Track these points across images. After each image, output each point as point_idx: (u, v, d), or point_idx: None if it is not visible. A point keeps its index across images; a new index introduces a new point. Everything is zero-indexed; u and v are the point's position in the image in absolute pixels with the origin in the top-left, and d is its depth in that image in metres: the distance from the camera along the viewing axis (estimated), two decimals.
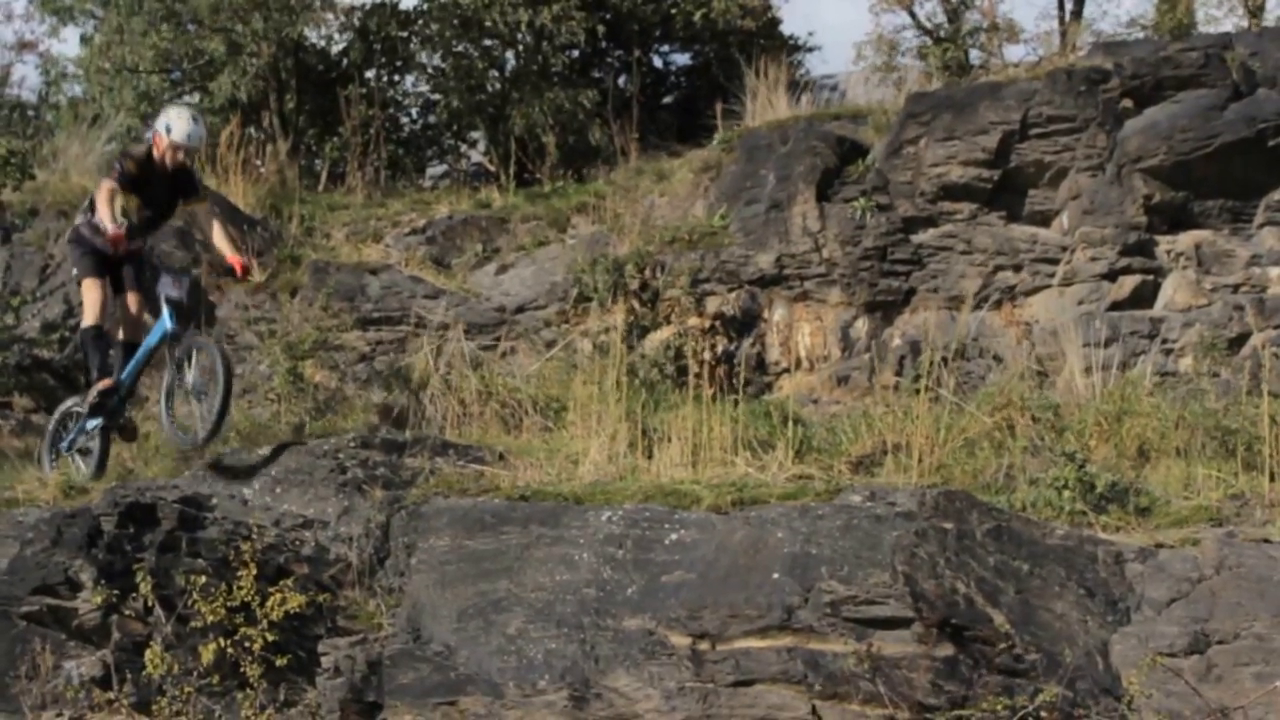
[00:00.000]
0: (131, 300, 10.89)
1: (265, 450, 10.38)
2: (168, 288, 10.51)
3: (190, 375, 10.37)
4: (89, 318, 10.63)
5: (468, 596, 8.84)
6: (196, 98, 18.77)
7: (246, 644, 8.69)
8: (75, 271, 10.94)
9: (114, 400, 10.62)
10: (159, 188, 10.75)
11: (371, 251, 14.70)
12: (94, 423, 10.69)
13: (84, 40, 21.32)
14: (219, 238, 10.96)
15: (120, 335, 10.86)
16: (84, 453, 10.87)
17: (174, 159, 10.63)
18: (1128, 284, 12.24)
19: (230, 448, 10.71)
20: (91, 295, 10.65)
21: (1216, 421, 10.11)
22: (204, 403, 10.24)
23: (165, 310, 10.46)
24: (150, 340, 10.65)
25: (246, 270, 11.13)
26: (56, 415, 11.23)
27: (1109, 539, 8.61)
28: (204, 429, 10.22)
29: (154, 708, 8.67)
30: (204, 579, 8.87)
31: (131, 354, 10.71)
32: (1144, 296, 12.26)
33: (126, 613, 8.98)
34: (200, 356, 10.39)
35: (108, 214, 10.26)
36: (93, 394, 10.53)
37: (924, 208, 12.88)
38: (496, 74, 18.70)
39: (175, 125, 10.62)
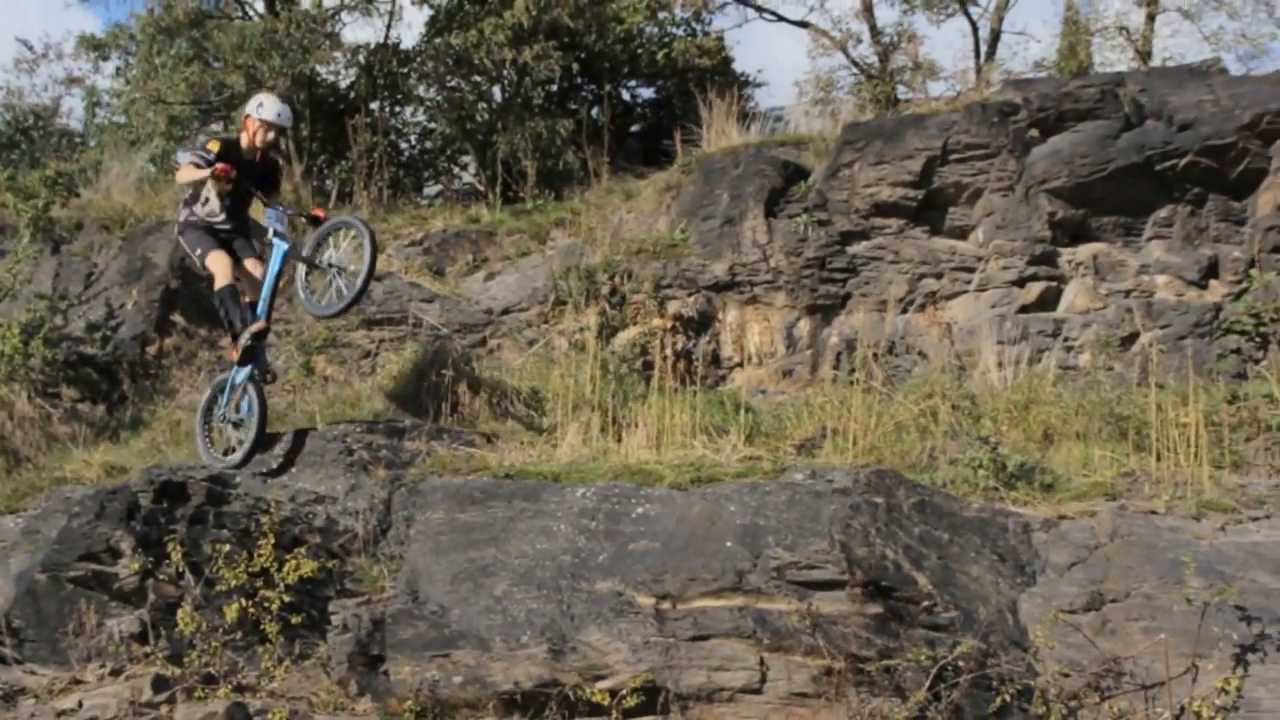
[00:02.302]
0: (251, 266, 10.49)
1: (282, 434, 10.33)
2: (273, 221, 10.25)
3: (329, 253, 10.16)
4: (221, 279, 10.22)
5: (459, 563, 8.83)
6: (221, 126, 18.69)
7: (266, 604, 8.71)
8: (198, 252, 10.40)
9: (261, 344, 10.24)
10: (248, 172, 10.36)
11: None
12: (242, 374, 10.25)
13: (120, 73, 21.22)
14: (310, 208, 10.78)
15: (247, 298, 10.37)
16: (236, 424, 10.27)
17: (264, 138, 10.38)
18: (1034, 290, 12.27)
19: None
20: (218, 263, 10.24)
21: (1111, 409, 10.15)
22: (344, 276, 10.00)
23: (276, 239, 10.21)
24: (274, 267, 10.27)
25: (326, 216, 10.66)
26: (205, 396, 10.67)
27: (1018, 511, 8.64)
28: (342, 299, 10.00)
29: (185, 660, 8.67)
30: (228, 547, 8.89)
31: (255, 310, 10.31)
32: (1048, 301, 12.29)
33: (161, 577, 8.96)
34: (345, 233, 10.16)
35: (199, 173, 10.07)
36: (245, 338, 10.11)
37: (858, 223, 12.89)
38: (484, 106, 18.65)
39: (266, 104, 10.39)
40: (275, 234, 10.23)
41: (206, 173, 10.06)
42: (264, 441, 10.01)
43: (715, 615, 7.90)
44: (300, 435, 10.25)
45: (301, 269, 10.31)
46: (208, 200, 10.34)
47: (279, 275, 10.31)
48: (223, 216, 10.40)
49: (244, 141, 10.43)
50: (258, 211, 10.61)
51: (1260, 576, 7.62)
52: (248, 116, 10.44)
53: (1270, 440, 9.47)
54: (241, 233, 10.61)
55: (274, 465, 10.01)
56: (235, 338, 10.29)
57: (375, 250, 9.87)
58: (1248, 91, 11.97)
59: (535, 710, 8.14)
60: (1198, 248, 11.93)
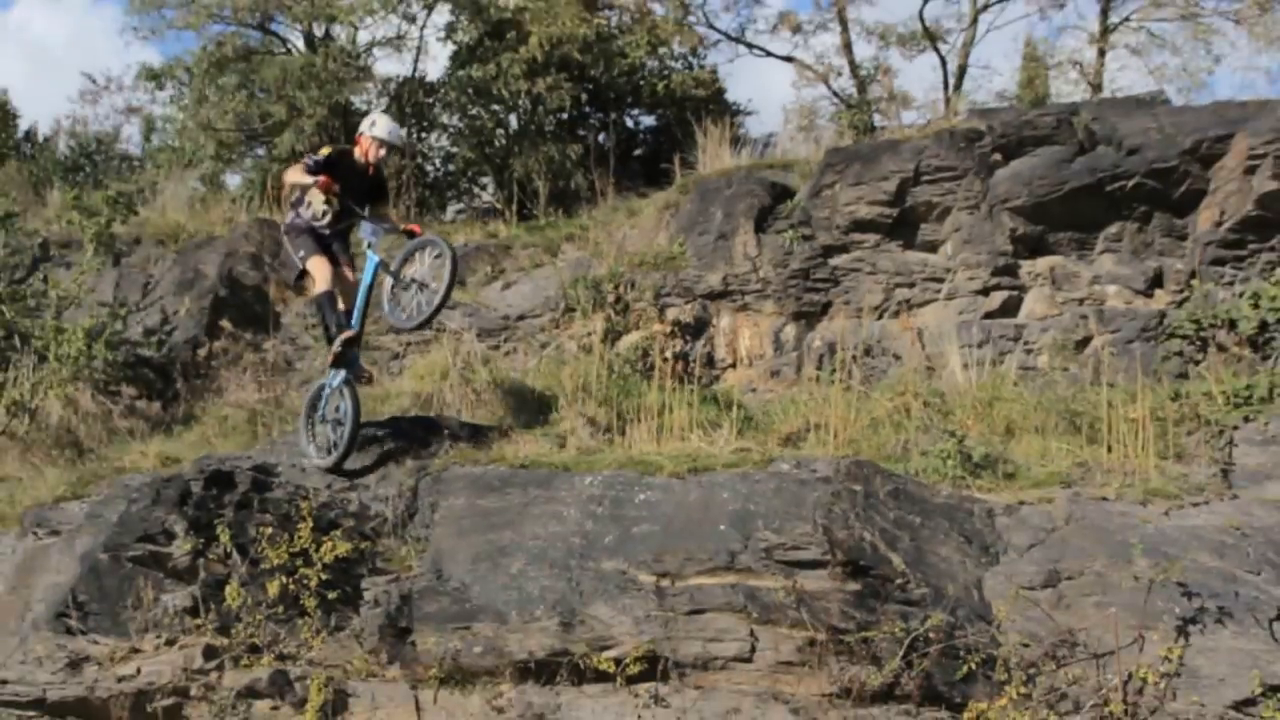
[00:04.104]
0: (346, 272, 10.19)
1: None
2: (368, 234, 10.04)
3: (414, 269, 9.79)
4: (321, 284, 9.91)
5: (479, 544, 8.83)
6: (264, 150, 18.72)
7: (305, 581, 8.71)
8: (300, 254, 10.07)
9: (354, 350, 9.95)
10: (355, 183, 10.01)
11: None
12: (338, 378, 9.94)
13: (174, 102, 21.26)
14: (400, 223, 10.39)
15: (342, 305, 10.04)
16: (336, 423, 9.90)
17: (376, 154, 10.06)
18: (997, 298, 12.26)
19: (293, 427, 10.67)
20: (319, 269, 9.93)
21: (1066, 406, 10.15)
22: (425, 291, 9.67)
23: (370, 252, 9.96)
24: (366, 279, 9.98)
25: (421, 232, 10.17)
26: (307, 398, 10.28)
27: (983, 498, 8.64)
28: (421, 314, 9.66)
29: (232, 631, 8.67)
30: (271, 530, 8.89)
31: (349, 317, 9.98)
32: (1010, 308, 12.28)
33: (210, 557, 8.96)
34: (430, 249, 9.77)
35: (306, 177, 9.73)
36: (336, 345, 9.80)
37: (839, 238, 12.88)
38: (502, 132, 18.65)
39: (379, 122, 10.13)
40: (368, 246, 10.02)
41: (310, 180, 9.75)
42: (356, 443, 9.75)
43: (710, 591, 7.91)
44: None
45: (389, 281, 9.98)
46: (310, 204, 10.07)
47: (371, 286, 10.03)
48: (325, 221, 10.10)
49: (357, 154, 10.10)
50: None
51: (1200, 556, 7.62)
52: (360, 134, 10.14)
53: (1209, 434, 9.47)
54: (342, 238, 10.35)
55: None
56: (330, 342, 10.01)
57: (455, 269, 9.56)
58: (1188, 120, 11.97)
59: (547, 677, 8.14)
60: (1144, 260, 11.92)
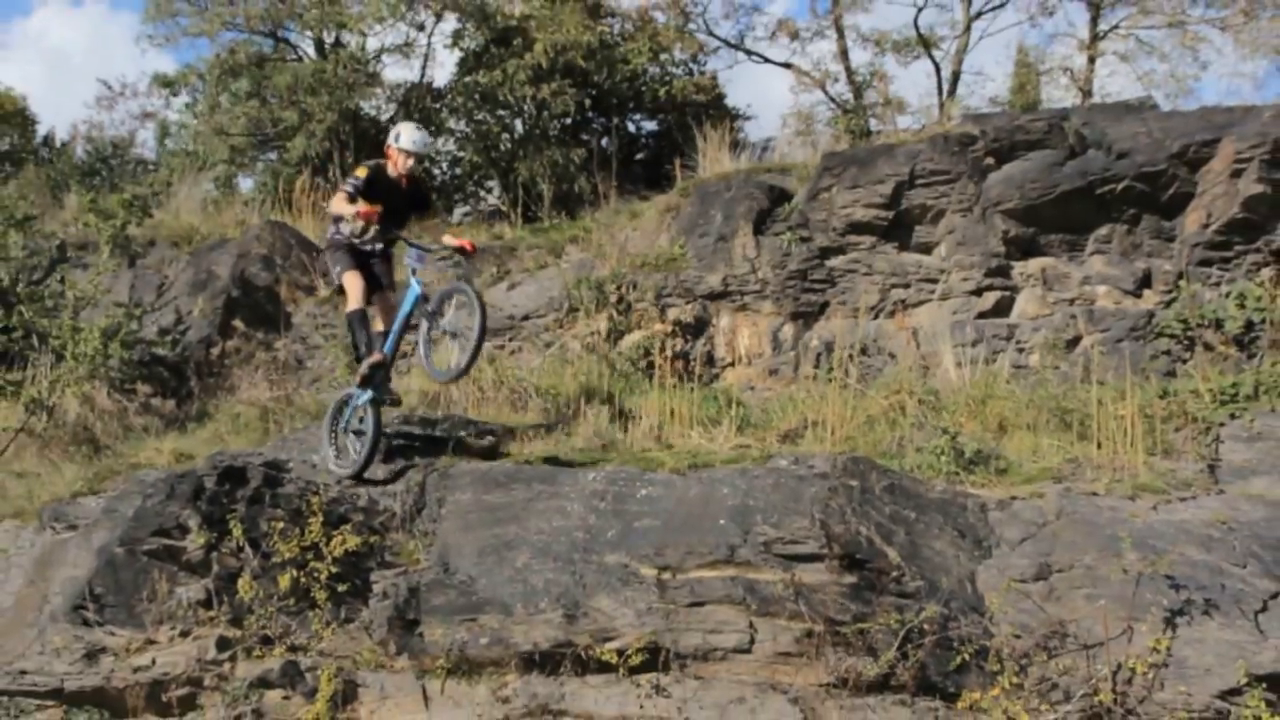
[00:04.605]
0: (389, 294, 9.91)
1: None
2: (413, 260, 9.66)
3: (447, 318, 9.47)
4: (353, 302, 9.60)
5: (485, 538, 8.83)
6: (276, 155, 18.74)
7: (315, 574, 8.72)
8: (337, 269, 9.73)
9: (381, 373, 9.59)
10: (395, 197, 9.70)
11: None
12: (364, 397, 9.67)
13: (188, 108, 21.28)
14: (447, 236, 10.08)
15: (379, 325, 9.85)
16: (358, 433, 9.74)
17: (405, 165, 9.74)
18: (990, 298, 12.25)
19: (304, 424, 10.67)
20: (353, 285, 9.60)
21: (1057, 403, 10.14)
22: (459, 340, 9.35)
23: (412, 280, 9.63)
24: (404, 308, 9.68)
25: (474, 248, 9.94)
26: (333, 405, 10.02)
27: (976, 493, 8.65)
28: (460, 363, 9.30)
29: (244, 623, 8.69)
30: (282, 524, 8.90)
31: (382, 340, 9.75)
32: (1003, 308, 12.26)
33: (223, 550, 8.97)
34: (458, 299, 9.45)
35: (349, 208, 9.38)
36: (364, 368, 9.53)
37: (835, 240, 12.87)
38: (507, 136, 18.69)
39: (404, 133, 9.77)
40: (412, 272, 9.68)
41: (352, 210, 9.41)
42: (375, 458, 9.60)
43: (710, 584, 7.91)
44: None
45: (425, 323, 9.66)
46: (349, 220, 9.72)
47: (409, 315, 9.76)
48: (366, 237, 9.83)
49: (389, 169, 9.80)
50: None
51: (1188, 550, 7.62)
52: (389, 147, 9.85)
53: (1196, 430, 9.46)
54: (384, 256, 10.02)
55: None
56: (358, 360, 9.76)
57: (485, 323, 9.18)
58: (1176, 125, 11.95)
59: (552, 668, 8.15)
60: (1133, 261, 11.91)
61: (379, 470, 9.66)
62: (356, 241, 9.85)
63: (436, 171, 19.07)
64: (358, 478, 9.57)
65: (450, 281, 9.80)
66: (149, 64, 50.47)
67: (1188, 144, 11.60)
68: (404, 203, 9.88)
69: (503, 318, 13.67)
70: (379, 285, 9.89)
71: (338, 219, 9.86)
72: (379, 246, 9.94)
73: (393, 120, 18.08)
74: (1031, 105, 18.31)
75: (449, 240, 10.02)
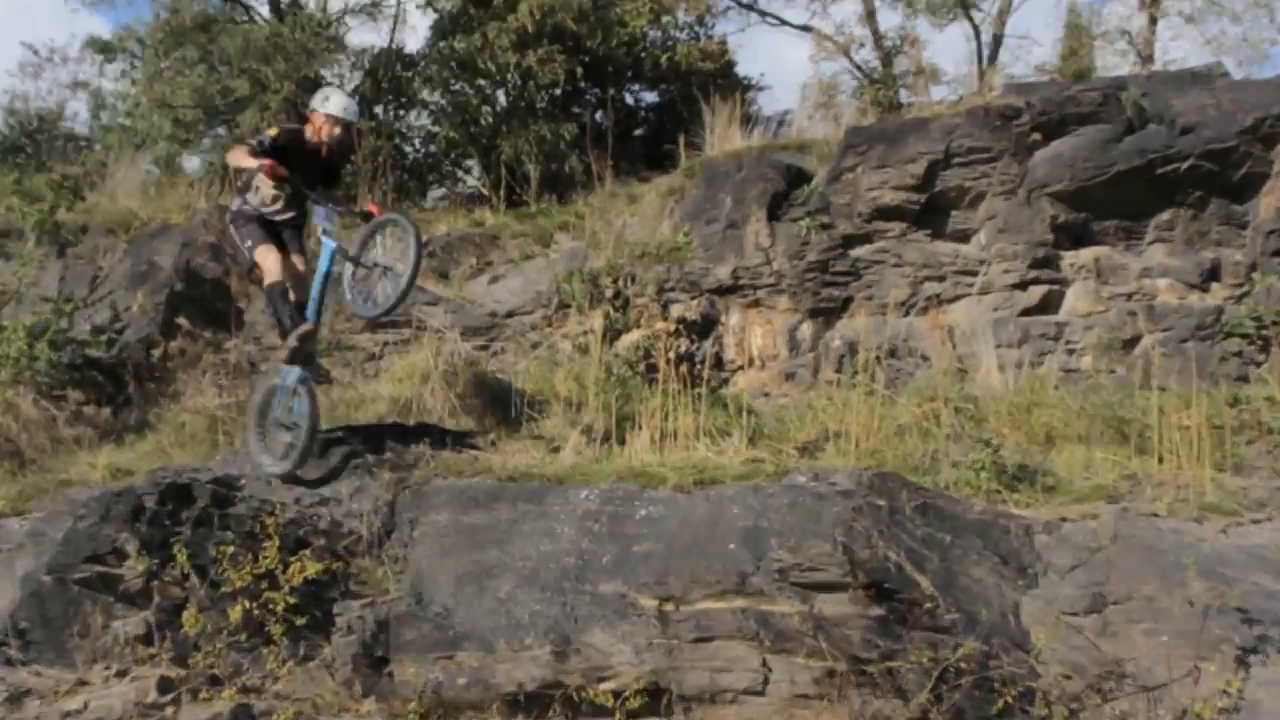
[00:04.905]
0: (298, 261, 10.10)
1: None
2: (322, 219, 9.86)
3: (374, 252, 9.73)
4: (270, 277, 9.83)
5: (464, 564, 8.83)
6: (225, 130, 18.75)
7: (270, 606, 8.71)
8: (248, 244, 9.95)
9: (311, 345, 9.84)
10: (310, 165, 9.94)
11: None
12: (293, 376, 9.84)
13: (125, 76, 21.30)
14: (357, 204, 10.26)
15: (293, 297, 9.98)
16: (290, 426, 9.84)
17: (330, 133, 9.97)
18: (1036, 293, 12.28)
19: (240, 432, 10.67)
20: (267, 259, 9.82)
21: (1113, 412, 10.15)
22: (389, 273, 9.58)
23: (323, 238, 9.83)
24: (322, 266, 9.86)
25: (381, 210, 10.17)
26: (258, 397, 10.19)
27: (1020, 514, 8.64)
28: (387, 299, 9.54)
29: (190, 661, 8.69)
30: (233, 549, 8.90)
31: (304, 310, 9.91)
32: (1050, 304, 12.30)
33: (166, 579, 8.97)
34: (390, 231, 9.71)
35: (251, 161, 9.56)
36: (292, 339, 9.68)
37: (860, 226, 12.90)
38: (488, 110, 18.71)
39: (332, 98, 10.02)
40: (323, 232, 9.91)
41: (254, 164, 9.62)
42: (314, 447, 9.72)
43: (718, 617, 7.91)
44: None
45: (349, 268, 9.94)
46: (259, 189, 9.97)
47: (328, 275, 9.95)
48: (276, 207, 10.03)
49: (309, 134, 10.02)
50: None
51: (1261, 579, 7.62)
52: (313, 111, 10.08)
53: (1272, 443, 9.48)
54: (294, 225, 10.23)
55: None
56: (284, 337, 9.92)
57: (421, 249, 9.49)
58: (1249, 95, 11.99)
59: (539, 711, 8.15)
60: (1199, 251, 11.94)
61: (343, 488, 9.65)
62: (265, 211, 10.06)
63: (409, 150, 19.09)
64: (294, 472, 9.64)
65: (378, 217, 9.87)
66: (80, 27, 50.49)
67: (1263, 117, 11.64)
68: (315, 173, 10.07)
69: (484, 315, 13.69)
70: (290, 255, 10.11)
71: (244, 188, 10.08)
72: (290, 215, 10.15)
73: (357, 91, 18.14)
74: (1084, 73, 18.30)
75: (354, 206, 10.40)
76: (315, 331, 9.98)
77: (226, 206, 11.05)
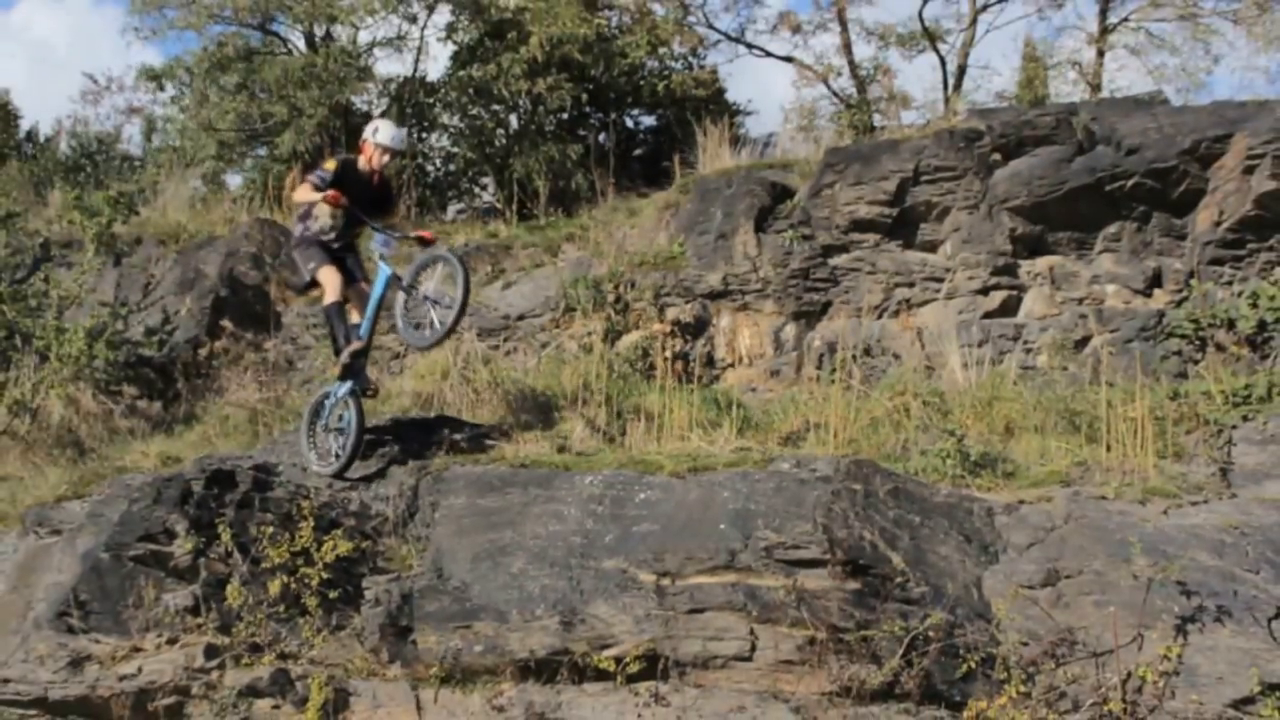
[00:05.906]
0: (361, 285, 10.07)
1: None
2: (380, 245, 9.84)
3: (426, 286, 9.62)
4: (330, 295, 9.79)
5: (479, 543, 8.83)
6: (265, 150, 18.74)
7: (306, 580, 8.71)
8: (310, 266, 9.90)
9: (361, 361, 9.83)
10: (363, 193, 9.92)
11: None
12: (343, 389, 9.83)
13: (175, 102, 21.28)
14: (412, 229, 10.31)
15: (353, 318, 9.95)
16: (338, 431, 9.85)
17: (379, 161, 9.99)
18: (997, 298, 12.28)
19: (294, 427, 10.67)
20: (328, 278, 9.78)
21: (1066, 405, 10.16)
22: (438, 307, 9.48)
23: (381, 264, 9.78)
24: (377, 290, 9.82)
25: (434, 238, 10.34)
26: (310, 404, 10.17)
27: (982, 497, 8.65)
28: (443, 325, 9.40)
29: (233, 630, 8.67)
30: (272, 529, 8.89)
31: (359, 329, 9.89)
32: (1009, 308, 12.29)
33: (211, 556, 8.95)
34: (442, 267, 9.63)
35: (315, 195, 9.63)
36: (344, 356, 9.73)
37: (838, 238, 12.89)
38: (502, 132, 18.67)
39: (381, 129, 10.00)
40: (381, 258, 9.84)
41: (319, 196, 9.66)
42: (359, 452, 9.69)
43: (710, 590, 7.91)
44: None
45: (401, 297, 9.82)
46: (317, 217, 9.94)
47: (382, 298, 9.88)
48: (333, 235, 9.98)
49: (361, 163, 10.02)
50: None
51: (1199, 555, 7.62)
52: (364, 141, 10.06)
53: (1208, 433, 9.47)
54: (353, 250, 10.22)
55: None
56: (338, 353, 9.95)
57: (468, 286, 9.41)
58: (1187, 120, 11.98)
59: (548, 676, 8.15)
60: (1143, 260, 11.94)
61: (371, 474, 9.65)
62: (326, 238, 10.00)
63: (430, 168, 19.08)
64: (341, 475, 9.62)
65: (425, 252, 9.86)
66: (135, 57, 50.51)
67: (1199, 140, 11.63)
68: (369, 200, 10.02)
69: (497, 318, 13.68)
70: (352, 279, 10.08)
71: (305, 216, 10.06)
72: (346, 240, 10.12)
73: (384, 115, 18.10)
74: (1039, 100, 18.34)
75: (417, 232, 10.36)
76: (366, 349, 9.97)
77: (290, 224, 11.00)
